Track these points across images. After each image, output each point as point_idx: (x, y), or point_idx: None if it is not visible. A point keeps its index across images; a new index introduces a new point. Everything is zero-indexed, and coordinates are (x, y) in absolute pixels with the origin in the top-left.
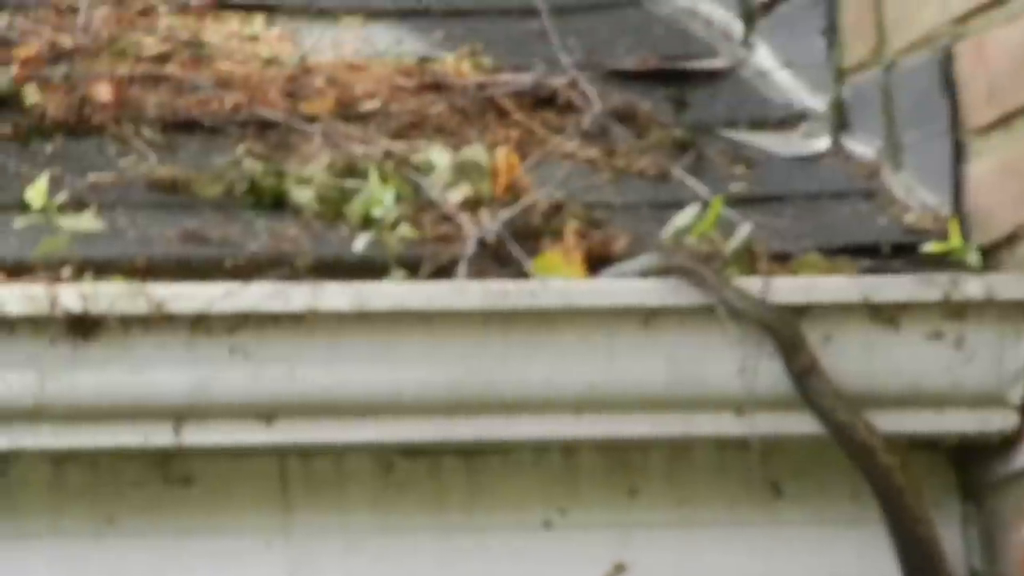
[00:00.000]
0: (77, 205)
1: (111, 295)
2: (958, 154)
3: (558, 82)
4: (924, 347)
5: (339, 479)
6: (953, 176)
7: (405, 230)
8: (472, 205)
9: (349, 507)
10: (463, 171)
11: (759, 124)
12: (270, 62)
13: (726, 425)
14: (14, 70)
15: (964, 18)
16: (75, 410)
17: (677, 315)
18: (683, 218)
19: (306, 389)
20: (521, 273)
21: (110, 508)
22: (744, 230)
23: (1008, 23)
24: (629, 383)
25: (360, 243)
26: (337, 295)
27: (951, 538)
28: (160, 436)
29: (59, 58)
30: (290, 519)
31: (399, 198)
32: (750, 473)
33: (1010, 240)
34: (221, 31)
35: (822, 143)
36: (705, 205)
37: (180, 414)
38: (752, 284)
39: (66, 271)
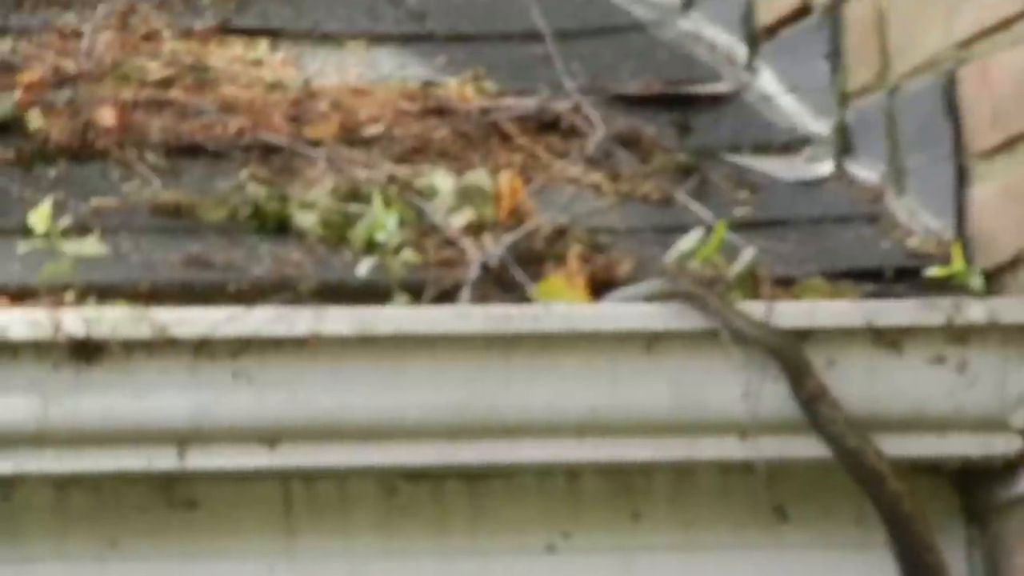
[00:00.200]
0: (81, 230)
1: (114, 320)
2: (961, 178)
3: (562, 107)
4: (927, 371)
5: (342, 503)
6: (956, 200)
7: (408, 255)
8: (475, 229)
9: (352, 531)
10: (466, 195)
11: (763, 148)
12: (274, 87)
13: (730, 449)
14: (18, 95)
15: (968, 42)
16: (78, 434)
17: (680, 339)
18: (687, 242)
19: (309, 413)
20: (524, 298)
21: (114, 532)
22: (748, 254)
23: (1012, 47)
24: (632, 407)
25: (363, 268)
26: (340, 320)
27: (955, 562)
28: (164, 460)
29: (63, 83)
30: (293, 543)
31: (403, 222)
32: (754, 497)
33: (1013, 264)
34: (225, 56)
35: (826, 167)
36: (709, 229)
37: (183, 438)
38: (756, 308)
39: (69, 296)
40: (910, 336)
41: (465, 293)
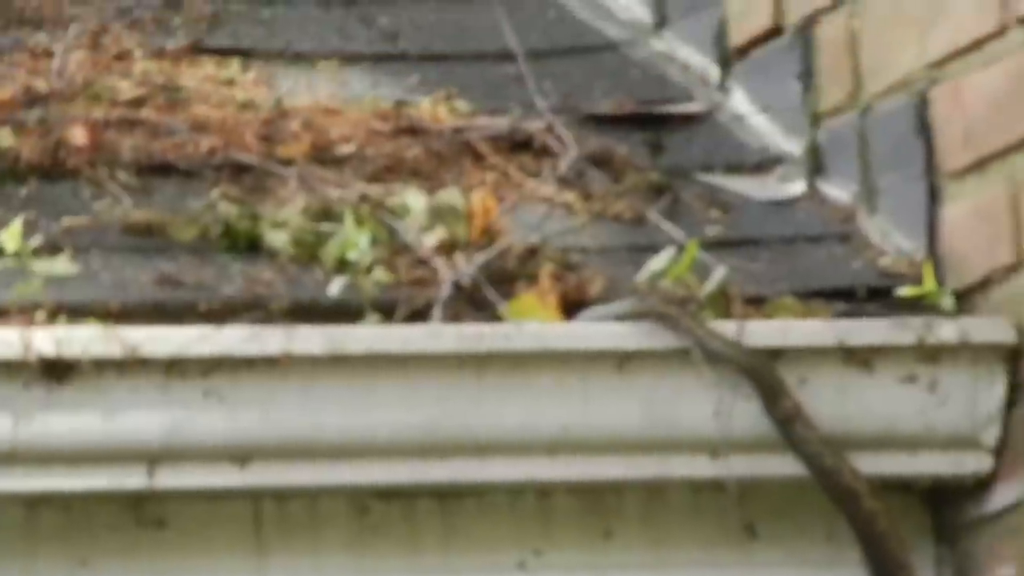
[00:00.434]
0: (51, 249)
1: (85, 339)
2: (933, 198)
3: (534, 126)
4: (898, 390)
5: (313, 522)
6: (928, 220)
7: (380, 274)
8: (447, 249)
9: (323, 550)
10: (439, 215)
11: (735, 168)
12: (246, 106)
13: (701, 467)
14: None
15: (940, 63)
16: (48, 453)
17: (652, 358)
18: (658, 262)
19: (281, 432)
20: (496, 317)
21: (84, 551)
22: (719, 274)
23: (984, 68)
24: (604, 426)
25: (335, 287)
26: (311, 339)
27: None
28: (133, 479)
29: (34, 102)
30: (264, 562)
31: (374, 241)
32: (725, 515)
33: (984, 284)
34: (197, 75)
35: (797, 187)
36: (680, 249)
37: (154, 457)
38: (727, 328)
39: (40, 315)
40: (881, 355)
41: (437, 312)
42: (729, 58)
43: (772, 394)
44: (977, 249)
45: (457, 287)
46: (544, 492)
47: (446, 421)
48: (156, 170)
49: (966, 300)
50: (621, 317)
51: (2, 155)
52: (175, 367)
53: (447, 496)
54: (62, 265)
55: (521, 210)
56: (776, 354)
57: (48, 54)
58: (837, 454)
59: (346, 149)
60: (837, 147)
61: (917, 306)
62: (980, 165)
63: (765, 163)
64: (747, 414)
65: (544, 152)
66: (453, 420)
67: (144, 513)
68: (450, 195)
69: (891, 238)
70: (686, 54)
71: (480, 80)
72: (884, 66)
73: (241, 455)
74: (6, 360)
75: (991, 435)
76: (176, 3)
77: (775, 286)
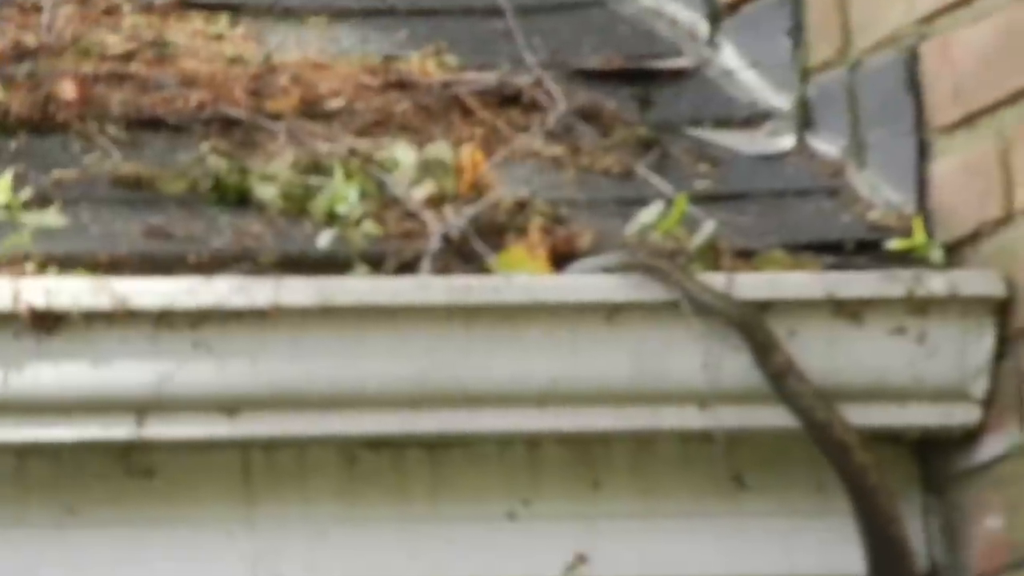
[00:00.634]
0: (41, 201)
1: (74, 290)
2: (922, 153)
3: (523, 81)
4: (887, 342)
5: (302, 471)
6: (917, 174)
7: (369, 226)
8: (436, 202)
9: (312, 499)
10: (427, 168)
11: (724, 123)
12: (235, 61)
13: (690, 418)
14: None
15: (930, 18)
16: (38, 404)
17: (641, 311)
18: (647, 215)
19: (269, 383)
20: (485, 269)
21: (73, 499)
22: (708, 227)
23: (974, 23)
24: (593, 377)
25: (324, 239)
26: (300, 290)
27: (913, 530)
28: (122, 429)
29: (23, 56)
30: (253, 511)
31: (363, 195)
32: (714, 465)
33: (973, 237)
34: (185, 30)
35: (787, 142)
36: (669, 202)
37: (143, 407)
38: (716, 280)
39: (30, 267)
40: (871, 307)
41: (426, 264)
42: (718, 13)
43: (762, 347)
44: (966, 203)
45: (446, 240)
46: (533, 443)
47: (435, 372)
48: (145, 124)
49: (955, 254)
50: (610, 270)
51: None
52: (164, 318)
53: (436, 446)
54: (52, 217)
55: (510, 164)
56: (765, 306)
57: (37, 9)
58: (829, 407)
59: (335, 103)
60: (826, 102)
61: (906, 259)
62: (969, 120)
63: (754, 118)
64: (736, 366)
65: (533, 106)
66: (442, 371)
67: (133, 463)
68: (439, 149)
69: (880, 192)
70: (675, 9)
71: (469, 35)
72: (873, 21)
73: (230, 406)
74: None
75: (980, 387)
76: None
77: (764, 239)
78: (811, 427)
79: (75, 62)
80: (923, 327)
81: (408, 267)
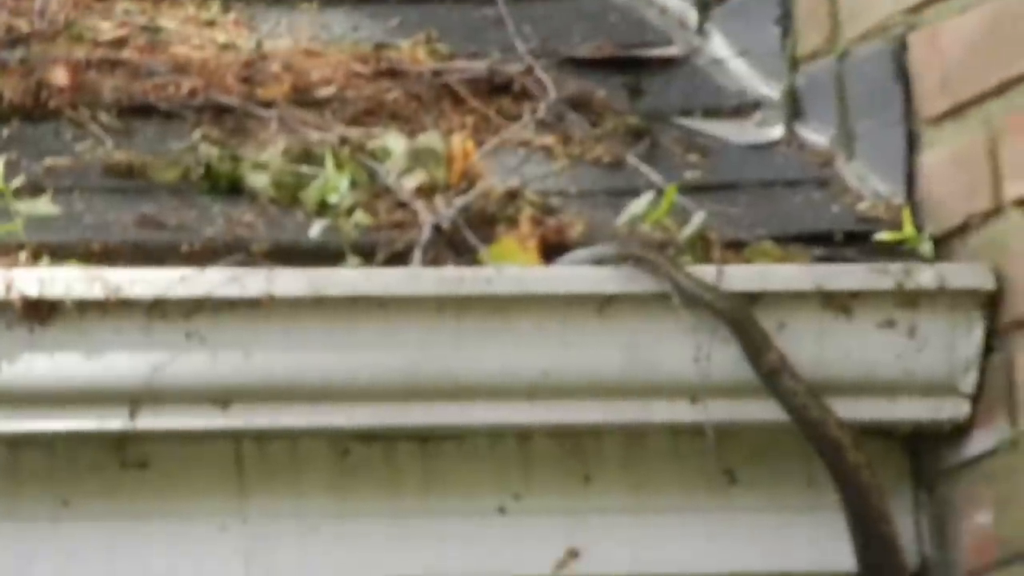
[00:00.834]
0: (33, 189)
1: (67, 279)
2: (911, 143)
3: (514, 69)
4: (877, 335)
5: (294, 463)
6: (906, 165)
7: (360, 216)
8: (427, 192)
9: (305, 491)
10: (418, 158)
11: (713, 112)
12: (226, 48)
13: (680, 412)
14: None
15: (917, 8)
16: (31, 394)
17: (632, 302)
18: (638, 206)
19: (262, 374)
20: (476, 260)
21: (66, 491)
22: (698, 218)
23: (961, 13)
24: (584, 370)
25: (316, 229)
26: (293, 281)
27: (904, 526)
28: (115, 420)
29: (16, 42)
30: (245, 503)
31: (355, 184)
32: (705, 459)
33: (962, 229)
34: (177, 16)
35: (776, 131)
36: (660, 193)
37: (136, 398)
38: (706, 272)
39: (22, 255)
40: (860, 300)
41: (417, 255)
42: (708, 2)
43: (755, 345)
44: (955, 195)
45: (437, 230)
46: (524, 436)
47: (426, 364)
48: (137, 111)
49: (944, 245)
50: (601, 261)
51: None
52: (157, 308)
53: (428, 439)
54: (44, 206)
55: (500, 154)
56: (755, 298)
57: None
58: (823, 406)
59: (326, 91)
60: (815, 92)
61: (895, 251)
62: (958, 111)
63: (743, 107)
64: (726, 359)
65: (523, 95)
66: (433, 363)
67: (126, 454)
68: (430, 138)
69: (869, 183)
70: None
71: (460, 23)
72: (861, 11)
73: (223, 397)
74: None
75: (969, 381)
76: None
77: (754, 230)
78: (804, 425)
79: (67, 48)
80: (913, 320)
81: (399, 258)
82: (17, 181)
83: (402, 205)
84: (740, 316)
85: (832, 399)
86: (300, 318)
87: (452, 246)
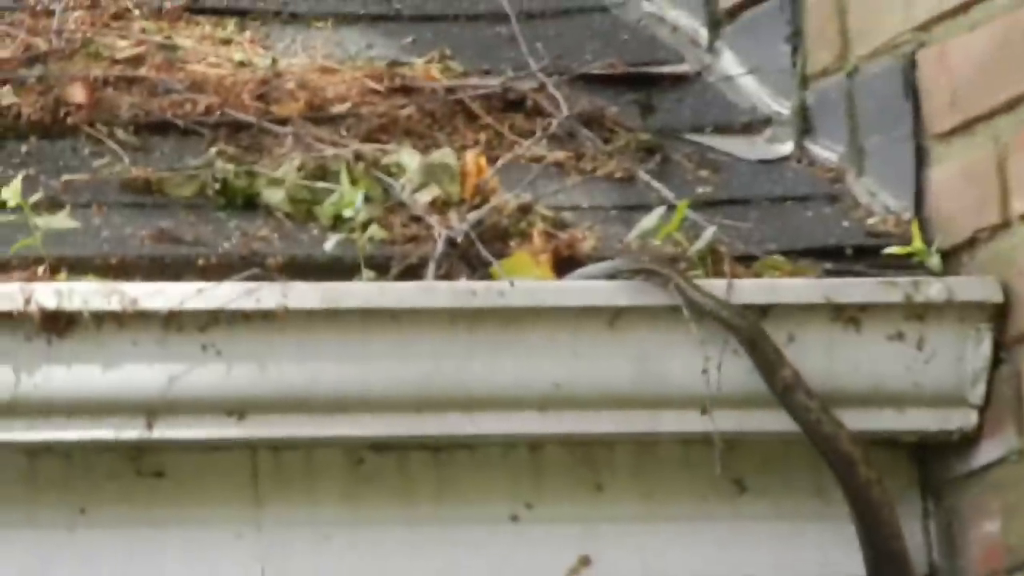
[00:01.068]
0: (52, 204)
1: (85, 292)
2: (920, 159)
3: (526, 86)
4: (885, 347)
5: (309, 473)
6: (915, 181)
7: (375, 231)
8: (441, 207)
9: (319, 500)
10: (432, 173)
11: (724, 128)
12: (242, 65)
13: (690, 423)
14: None
15: (927, 25)
16: (49, 404)
17: (642, 315)
18: (649, 221)
19: (277, 385)
20: (489, 274)
21: (83, 500)
22: (709, 233)
23: (970, 31)
24: (595, 381)
25: (330, 243)
26: (307, 294)
27: (912, 535)
28: (132, 431)
29: (34, 60)
30: (261, 512)
31: (369, 199)
32: (714, 469)
33: (970, 244)
34: (194, 35)
35: (786, 147)
36: (671, 208)
37: (152, 409)
38: (716, 285)
39: (41, 269)
40: (869, 313)
41: (431, 269)
42: (719, 20)
43: (768, 361)
44: (964, 209)
45: (450, 244)
46: (536, 445)
47: (439, 376)
48: (154, 128)
49: (952, 260)
50: (612, 275)
51: (3, 113)
52: (173, 321)
53: (441, 449)
54: (62, 221)
55: (513, 169)
56: (765, 311)
57: (48, 13)
58: (836, 421)
59: (341, 108)
60: (825, 108)
61: (904, 265)
62: (967, 127)
63: (754, 124)
64: (736, 370)
65: (536, 112)
66: (446, 375)
67: (143, 463)
68: (443, 154)
69: (879, 198)
70: (676, 16)
71: (473, 40)
72: (871, 28)
73: (238, 408)
74: (8, 313)
75: (977, 392)
76: None
77: (764, 245)
78: (817, 440)
79: (85, 66)
80: (921, 333)
81: (413, 271)
82: (36, 196)
83: (416, 220)
84: (753, 332)
85: (841, 410)
86: (315, 330)
87: (465, 260)
